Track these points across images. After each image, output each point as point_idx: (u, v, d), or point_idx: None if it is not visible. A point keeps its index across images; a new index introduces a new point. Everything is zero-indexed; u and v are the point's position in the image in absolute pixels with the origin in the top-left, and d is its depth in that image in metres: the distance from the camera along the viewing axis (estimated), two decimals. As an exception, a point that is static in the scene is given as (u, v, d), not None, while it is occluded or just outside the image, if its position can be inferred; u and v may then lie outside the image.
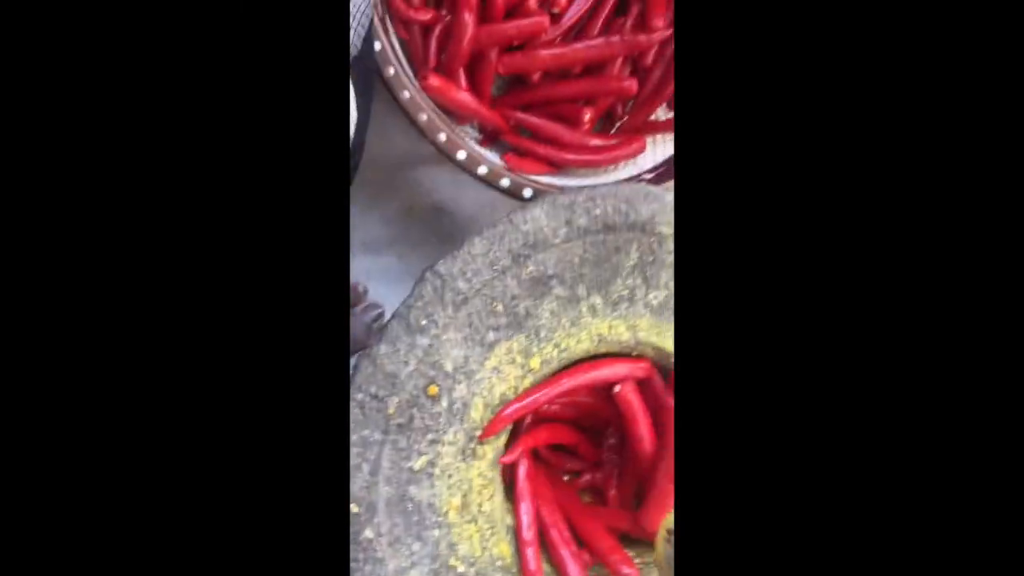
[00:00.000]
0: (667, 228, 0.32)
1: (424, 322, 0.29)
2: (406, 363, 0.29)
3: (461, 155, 0.35)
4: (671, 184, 0.37)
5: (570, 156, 0.40)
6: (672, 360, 0.34)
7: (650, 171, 0.40)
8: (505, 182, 0.34)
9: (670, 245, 0.32)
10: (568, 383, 0.33)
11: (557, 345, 0.32)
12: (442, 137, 0.37)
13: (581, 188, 0.30)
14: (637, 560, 0.33)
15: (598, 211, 0.31)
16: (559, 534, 0.33)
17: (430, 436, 0.30)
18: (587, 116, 0.40)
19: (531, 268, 0.30)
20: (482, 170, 0.34)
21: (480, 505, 0.31)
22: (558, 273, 0.31)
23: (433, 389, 0.30)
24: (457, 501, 0.31)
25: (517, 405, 0.32)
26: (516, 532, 0.32)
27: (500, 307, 0.30)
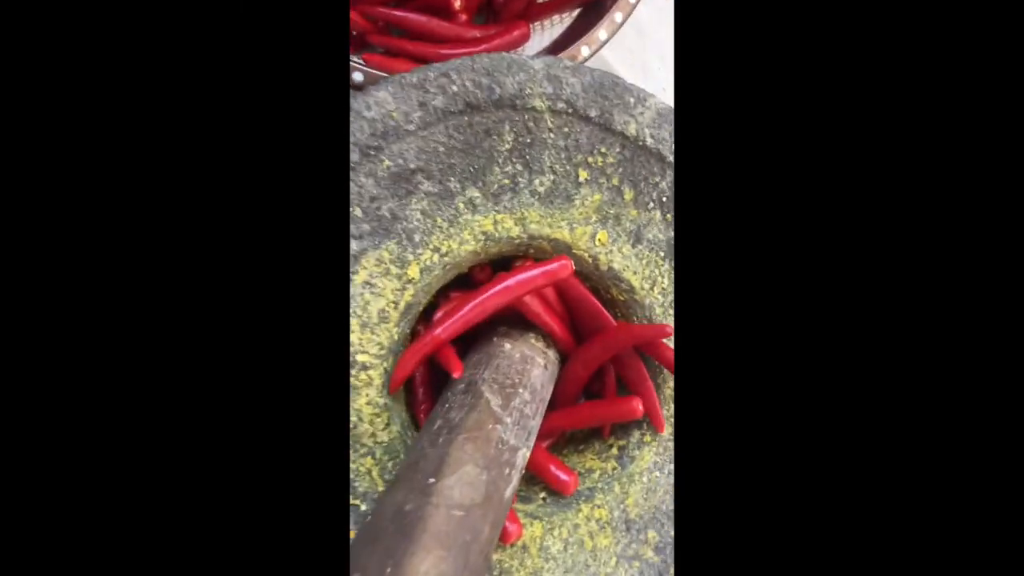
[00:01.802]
0: (540, 101, 0.28)
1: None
2: (253, 286, 0.25)
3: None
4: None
5: (446, 51, 0.36)
6: (571, 250, 0.30)
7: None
8: (358, 77, 0.30)
9: (548, 121, 0.28)
10: (477, 313, 0.29)
11: (437, 249, 0.28)
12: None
13: (431, 64, 0.27)
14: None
15: (455, 88, 0.27)
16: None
17: (302, 366, 0.27)
18: (457, 3, 0.36)
19: (388, 163, 0.27)
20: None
21: (374, 436, 0.28)
22: (423, 166, 0.27)
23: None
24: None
25: (421, 346, 0.28)
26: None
27: (358, 211, 0.27)
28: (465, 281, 0.32)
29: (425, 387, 0.31)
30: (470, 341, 0.32)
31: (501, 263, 0.32)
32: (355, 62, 0.31)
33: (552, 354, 0.32)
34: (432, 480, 0.20)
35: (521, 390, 0.26)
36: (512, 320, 0.33)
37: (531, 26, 0.38)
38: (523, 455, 0.24)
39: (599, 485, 0.31)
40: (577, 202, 0.30)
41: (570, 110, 0.28)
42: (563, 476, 0.31)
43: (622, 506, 0.31)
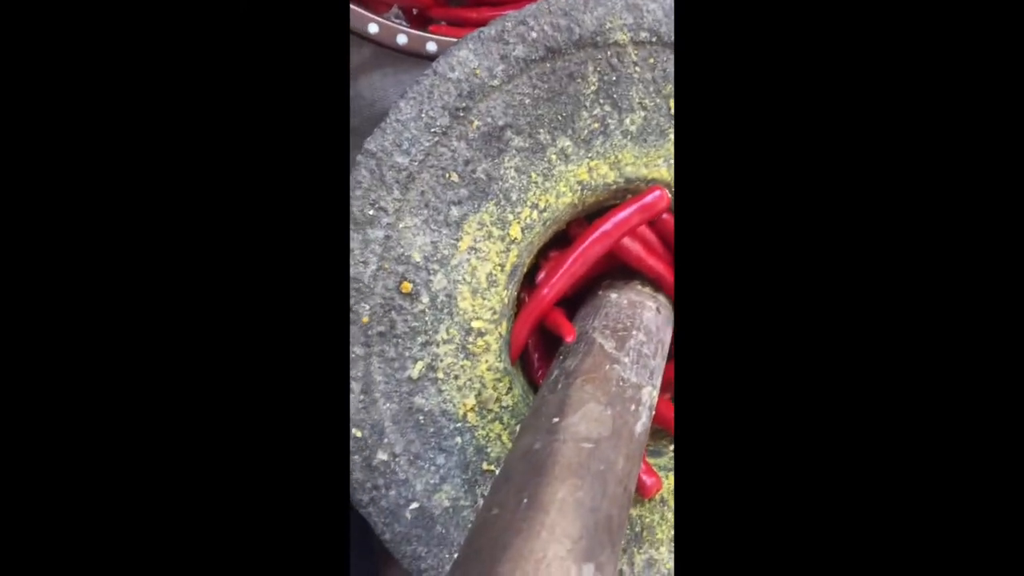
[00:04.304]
0: (621, 34, 0.27)
1: (371, 211, 0.25)
2: (365, 263, 0.25)
3: (372, 28, 0.31)
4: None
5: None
6: (671, 189, 0.29)
7: None
8: (431, 47, 0.30)
9: (632, 54, 0.27)
10: (579, 265, 0.28)
11: (535, 206, 0.28)
12: (373, 28, 0.33)
13: (508, 14, 0.26)
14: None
15: (534, 34, 0.26)
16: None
17: (420, 339, 0.27)
18: (514, -40, 0.35)
19: (477, 123, 0.26)
20: (401, 39, 0.30)
21: (499, 400, 0.28)
22: (511, 121, 0.27)
23: (406, 286, 0.26)
24: (472, 401, 0.27)
25: (530, 311, 0.28)
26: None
27: (455, 176, 0.26)
28: (565, 240, 0.32)
29: (540, 352, 0.31)
30: (576, 308, 0.31)
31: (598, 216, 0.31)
32: (426, 36, 0.30)
33: (662, 298, 0.30)
34: (556, 420, 0.19)
35: (635, 332, 0.25)
36: (615, 274, 0.32)
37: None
38: (649, 392, 0.23)
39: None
40: (671, 136, 0.28)
41: (654, 38, 0.27)
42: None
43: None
